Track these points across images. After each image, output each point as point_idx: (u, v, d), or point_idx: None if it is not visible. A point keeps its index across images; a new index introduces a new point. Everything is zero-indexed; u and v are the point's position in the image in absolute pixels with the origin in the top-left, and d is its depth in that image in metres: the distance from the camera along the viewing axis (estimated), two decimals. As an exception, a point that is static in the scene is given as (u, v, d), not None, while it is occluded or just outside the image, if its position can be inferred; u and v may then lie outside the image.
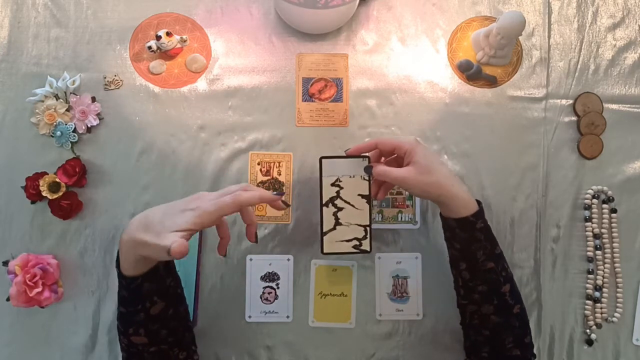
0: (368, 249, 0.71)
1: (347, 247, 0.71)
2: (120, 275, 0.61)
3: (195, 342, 0.70)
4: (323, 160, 0.71)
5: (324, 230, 0.71)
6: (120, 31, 0.80)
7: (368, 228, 0.71)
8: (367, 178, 0.71)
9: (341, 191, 0.71)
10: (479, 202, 0.68)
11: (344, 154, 0.71)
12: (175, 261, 0.66)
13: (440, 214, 0.70)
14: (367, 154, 0.71)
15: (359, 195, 0.71)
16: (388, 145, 0.68)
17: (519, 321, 0.66)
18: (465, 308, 0.68)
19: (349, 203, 0.71)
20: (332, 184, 0.71)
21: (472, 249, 0.65)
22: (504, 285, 0.66)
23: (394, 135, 0.80)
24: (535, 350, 0.76)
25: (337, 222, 0.71)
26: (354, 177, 0.71)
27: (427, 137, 0.80)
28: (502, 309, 0.65)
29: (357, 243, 0.71)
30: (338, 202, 0.71)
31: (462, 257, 0.67)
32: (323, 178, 0.70)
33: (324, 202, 0.70)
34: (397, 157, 0.71)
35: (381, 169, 0.67)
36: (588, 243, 0.79)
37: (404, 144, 0.66)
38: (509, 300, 0.65)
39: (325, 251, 0.70)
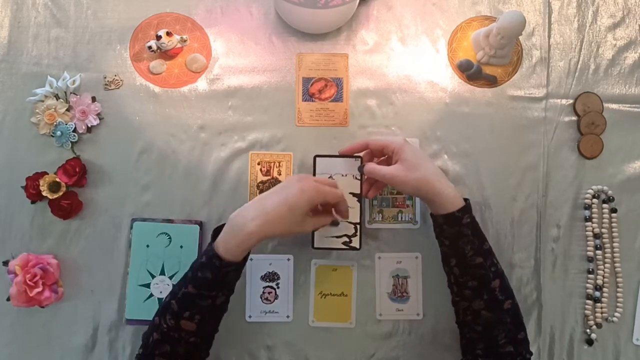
0: (357, 246, 0.74)
1: (337, 243, 0.74)
2: (217, 257, 0.62)
3: None
4: (317, 158, 0.74)
5: None
6: (120, 31, 0.80)
7: (358, 226, 0.73)
8: (358, 177, 0.73)
9: None
10: (466, 200, 0.69)
11: (338, 154, 0.74)
12: (176, 260, 0.67)
13: (430, 214, 0.71)
14: (359, 154, 0.74)
15: (350, 193, 0.73)
16: (378, 144, 0.71)
17: (511, 317, 0.66)
18: (459, 305, 0.69)
19: None
20: None
21: (460, 245, 0.67)
22: (493, 280, 0.67)
23: (394, 136, 0.80)
24: (535, 350, 0.77)
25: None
26: (346, 175, 0.73)
27: (427, 137, 0.80)
28: (493, 304, 0.66)
29: (347, 240, 0.74)
30: None
31: (451, 253, 0.68)
32: (316, 175, 0.73)
33: None
34: (387, 158, 0.73)
35: (371, 166, 0.71)
36: (588, 243, 0.79)
37: (392, 143, 0.70)
38: (499, 296, 0.66)
39: (315, 246, 0.73)
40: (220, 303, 0.65)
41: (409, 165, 0.67)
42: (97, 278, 0.77)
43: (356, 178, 0.74)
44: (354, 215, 0.73)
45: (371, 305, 0.78)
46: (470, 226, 0.67)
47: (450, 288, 0.71)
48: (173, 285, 0.66)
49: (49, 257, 0.75)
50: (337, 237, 0.73)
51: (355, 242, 0.74)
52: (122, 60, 0.80)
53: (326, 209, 0.70)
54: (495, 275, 0.67)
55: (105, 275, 0.77)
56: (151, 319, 0.66)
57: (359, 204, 0.73)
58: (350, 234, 0.74)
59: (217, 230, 0.66)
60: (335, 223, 0.69)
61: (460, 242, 0.67)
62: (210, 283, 0.63)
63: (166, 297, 0.66)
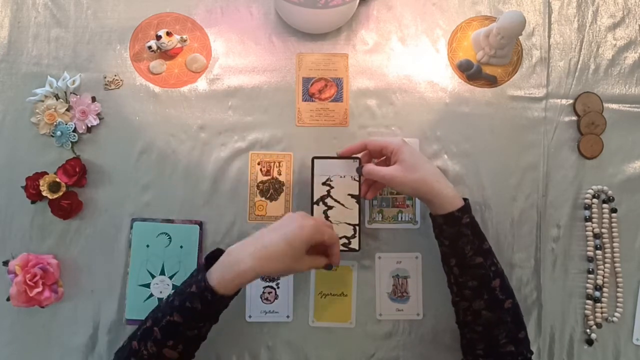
0: (357, 248, 0.73)
1: None
2: (210, 290, 0.60)
3: None
4: (315, 160, 0.74)
5: None
6: (120, 31, 0.80)
7: (357, 227, 0.73)
8: (357, 178, 0.73)
9: (332, 190, 0.74)
10: (465, 199, 0.69)
11: (336, 155, 0.74)
12: (176, 260, 0.66)
13: (430, 213, 0.71)
14: (357, 155, 0.74)
15: (349, 194, 0.73)
16: (376, 145, 0.71)
17: (511, 316, 0.66)
18: (459, 305, 0.69)
19: (339, 202, 0.73)
20: (323, 183, 0.74)
21: (460, 244, 0.67)
22: (493, 280, 0.67)
23: (394, 136, 0.80)
24: (535, 350, 0.77)
25: (327, 220, 0.73)
26: (344, 177, 0.74)
27: (427, 137, 0.80)
28: (493, 303, 0.66)
29: (346, 241, 0.73)
30: (328, 200, 0.73)
31: (451, 253, 0.68)
32: (314, 177, 0.74)
33: (314, 200, 0.73)
34: (385, 159, 0.73)
35: (370, 167, 0.71)
36: (588, 243, 0.79)
37: (390, 144, 0.70)
38: (499, 295, 0.66)
39: None
40: (204, 333, 0.65)
41: (407, 165, 0.67)
42: (97, 278, 0.77)
43: (354, 179, 0.74)
44: (353, 217, 0.73)
45: (371, 305, 0.78)
46: (470, 226, 0.67)
47: (450, 288, 0.71)
48: (155, 309, 0.65)
49: (49, 257, 0.75)
50: None
51: (355, 244, 0.74)
52: (122, 60, 0.80)
53: (319, 250, 0.68)
54: (495, 275, 0.67)
55: (105, 275, 0.77)
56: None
57: (357, 206, 0.74)
58: (349, 235, 0.74)
59: (209, 258, 0.65)
60: (329, 267, 0.67)
61: (460, 242, 0.67)
62: (200, 314, 0.61)
63: (146, 322, 0.64)
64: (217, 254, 0.65)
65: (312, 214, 0.73)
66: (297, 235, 0.62)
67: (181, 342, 0.62)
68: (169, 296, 0.65)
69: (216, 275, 0.61)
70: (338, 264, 0.68)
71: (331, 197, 0.73)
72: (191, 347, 0.64)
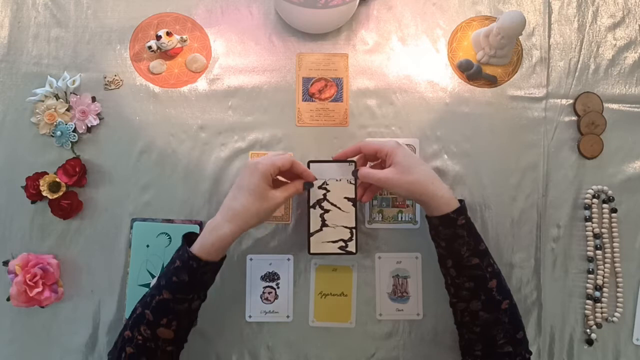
0: (354, 251, 0.74)
1: (333, 248, 0.74)
2: (195, 258, 0.63)
3: None
4: (311, 164, 0.74)
5: (311, 231, 0.73)
6: (120, 31, 0.80)
7: (354, 230, 0.74)
8: (353, 182, 0.74)
9: (328, 194, 0.74)
10: (461, 201, 0.69)
11: (332, 159, 0.75)
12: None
13: (426, 215, 0.71)
14: (353, 159, 0.74)
15: (345, 198, 0.74)
16: (371, 148, 0.71)
17: (509, 317, 0.66)
18: (456, 306, 0.69)
19: (335, 205, 0.74)
20: (320, 187, 0.74)
21: (456, 246, 0.67)
22: (490, 281, 0.67)
23: (394, 136, 0.80)
24: (535, 350, 0.77)
25: (324, 224, 0.74)
26: (340, 180, 0.74)
27: (427, 137, 0.80)
28: (490, 304, 0.66)
29: (343, 244, 0.74)
30: (325, 204, 0.74)
31: (447, 254, 0.68)
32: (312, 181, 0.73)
33: (311, 204, 0.74)
34: (381, 162, 0.74)
35: (365, 170, 0.71)
36: (588, 243, 0.79)
37: (384, 147, 0.70)
38: (496, 296, 0.66)
39: (311, 251, 0.73)
40: (195, 308, 0.66)
41: (402, 168, 0.68)
42: (97, 278, 0.77)
43: (350, 182, 0.74)
44: (350, 220, 0.74)
45: (371, 305, 0.78)
46: (466, 227, 0.67)
47: (447, 289, 0.71)
48: (142, 298, 0.66)
49: (49, 257, 0.75)
50: (333, 242, 0.74)
51: (352, 247, 0.74)
52: (122, 60, 0.80)
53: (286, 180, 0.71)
54: (492, 276, 0.67)
55: (105, 275, 0.77)
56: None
57: (353, 209, 0.74)
58: (346, 238, 0.74)
59: (186, 236, 0.67)
60: (307, 185, 0.70)
61: (456, 243, 0.67)
62: (188, 285, 0.63)
63: (135, 309, 0.65)
64: (192, 236, 0.67)
65: (308, 217, 0.73)
66: (253, 183, 0.65)
67: (175, 319, 0.64)
68: (155, 283, 0.66)
69: (197, 245, 0.64)
70: (314, 177, 0.71)
71: (327, 201, 0.74)
72: (185, 324, 0.66)
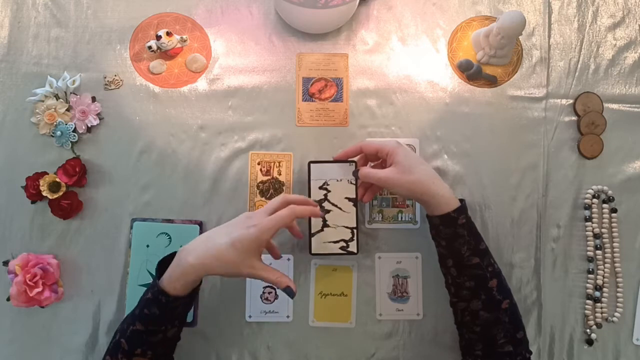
0: (355, 251, 0.74)
1: (335, 249, 0.74)
2: (163, 293, 0.61)
3: None
4: (311, 164, 0.74)
5: (312, 232, 0.74)
6: (120, 31, 0.80)
7: (355, 230, 0.74)
8: (353, 182, 0.74)
9: (329, 194, 0.74)
10: (462, 200, 0.69)
11: (332, 159, 0.75)
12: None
13: (427, 215, 0.71)
14: (354, 159, 0.74)
15: (346, 198, 0.74)
16: (372, 148, 0.71)
17: (509, 316, 0.67)
18: (457, 306, 0.69)
19: (336, 206, 0.74)
20: (320, 187, 0.74)
21: (457, 245, 0.67)
22: (490, 280, 0.67)
23: (394, 136, 0.80)
24: (535, 350, 0.77)
25: (325, 224, 0.74)
26: (341, 180, 0.74)
27: (427, 137, 0.80)
28: (490, 304, 0.66)
29: (344, 245, 0.74)
30: (326, 204, 0.74)
31: (448, 254, 0.68)
32: (311, 181, 0.74)
33: None
34: (381, 162, 0.74)
35: (366, 170, 0.71)
36: (588, 243, 0.79)
37: (385, 146, 0.70)
38: (496, 296, 0.66)
39: (313, 252, 0.74)
40: (172, 335, 0.65)
41: (403, 167, 0.68)
42: (97, 278, 0.77)
43: (351, 183, 0.74)
44: (350, 220, 0.74)
45: (371, 305, 0.78)
46: (466, 226, 0.67)
47: (447, 289, 0.71)
48: (122, 321, 0.66)
49: (49, 257, 0.75)
50: (335, 242, 0.74)
51: (353, 247, 0.74)
52: (122, 60, 0.80)
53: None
54: (492, 275, 0.67)
55: (105, 275, 0.77)
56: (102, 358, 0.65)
57: (354, 209, 0.74)
58: (347, 238, 0.74)
59: (162, 263, 0.65)
60: (288, 290, 0.63)
61: (457, 242, 0.67)
62: (159, 319, 0.62)
63: (115, 334, 0.65)
64: (169, 259, 0.64)
65: (309, 218, 0.73)
66: (242, 237, 0.61)
67: (149, 349, 0.63)
68: (134, 308, 0.65)
69: (166, 277, 0.62)
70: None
71: (328, 201, 0.74)
72: (161, 351, 0.65)
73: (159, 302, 0.61)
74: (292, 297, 0.63)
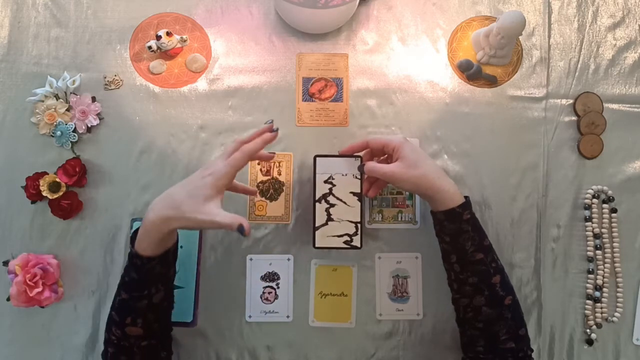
0: (358, 245, 0.73)
1: (338, 243, 0.73)
2: (136, 256, 0.62)
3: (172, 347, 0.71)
4: (317, 158, 0.74)
5: (316, 225, 0.73)
6: (120, 31, 0.80)
7: (359, 225, 0.73)
8: (359, 177, 0.74)
9: (334, 188, 0.74)
10: (466, 197, 0.69)
11: (338, 154, 0.75)
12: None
13: (431, 211, 0.71)
14: (359, 154, 0.74)
15: (350, 192, 0.73)
16: (378, 143, 0.71)
17: (511, 313, 0.67)
18: (459, 302, 0.69)
19: (341, 200, 0.73)
20: (325, 181, 0.74)
21: (461, 241, 0.67)
22: (494, 276, 0.67)
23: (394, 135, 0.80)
24: (535, 350, 0.76)
25: (329, 218, 0.73)
26: (346, 175, 0.74)
27: (427, 137, 0.80)
28: (494, 300, 0.66)
29: (348, 239, 0.73)
30: (330, 198, 0.74)
31: (452, 249, 0.68)
32: (317, 175, 0.74)
33: (316, 198, 0.73)
34: (387, 157, 0.74)
35: (371, 164, 0.71)
36: (588, 243, 0.79)
37: (391, 141, 0.70)
38: (499, 292, 0.66)
39: (317, 245, 0.73)
40: (159, 300, 0.65)
41: (409, 162, 0.68)
42: (97, 278, 0.77)
43: (356, 177, 0.74)
44: (355, 215, 0.73)
45: (371, 305, 0.78)
46: (471, 222, 0.67)
47: (450, 286, 0.71)
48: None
49: (49, 257, 0.75)
50: (339, 236, 0.73)
51: (356, 241, 0.74)
52: (122, 60, 0.80)
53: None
54: (495, 271, 0.67)
55: (105, 275, 0.77)
56: None
57: (359, 203, 0.74)
58: (351, 233, 0.74)
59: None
60: (240, 229, 0.60)
61: (461, 238, 0.67)
62: (139, 283, 0.63)
63: (109, 311, 0.67)
64: None
65: (313, 211, 0.73)
66: (198, 186, 0.62)
67: (138, 316, 0.64)
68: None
69: (137, 240, 0.63)
70: (247, 225, 0.61)
71: (333, 195, 0.74)
72: (152, 319, 0.65)
73: (135, 266, 0.63)
74: (243, 235, 0.60)
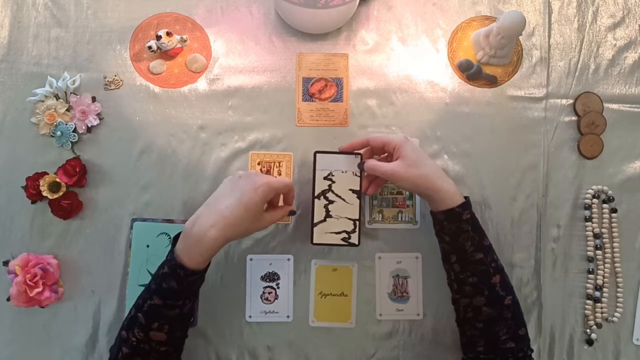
0: (356, 242, 0.74)
1: (336, 239, 0.74)
2: (181, 267, 0.62)
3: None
4: (317, 154, 0.74)
5: (315, 222, 0.73)
6: (120, 31, 0.80)
7: (357, 222, 0.74)
8: (358, 174, 0.74)
9: (333, 185, 0.74)
10: (466, 197, 0.69)
11: (338, 150, 0.75)
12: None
13: (431, 211, 0.71)
14: (359, 151, 0.74)
15: (350, 190, 0.74)
16: (378, 142, 0.71)
17: (512, 313, 0.67)
18: (459, 302, 0.69)
19: (340, 197, 0.74)
20: (325, 178, 0.74)
21: (460, 241, 0.67)
22: (493, 276, 0.67)
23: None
24: (535, 350, 0.77)
25: (328, 215, 0.74)
26: (346, 172, 0.74)
27: (427, 137, 0.80)
28: (494, 299, 0.66)
29: (346, 236, 0.74)
30: (329, 195, 0.74)
31: (451, 249, 0.68)
32: (316, 171, 0.74)
33: (315, 194, 0.74)
34: (387, 156, 0.74)
35: (372, 162, 0.71)
36: (588, 243, 0.79)
37: (392, 140, 0.70)
38: (499, 292, 0.66)
39: (314, 241, 0.73)
40: (187, 310, 0.65)
41: (409, 162, 0.68)
42: (97, 278, 0.77)
43: (356, 175, 0.74)
44: (353, 212, 0.74)
45: (371, 305, 0.78)
46: (471, 222, 0.67)
47: (450, 286, 0.71)
48: (138, 297, 0.66)
49: (49, 257, 0.75)
50: (336, 233, 0.73)
51: (354, 239, 0.74)
52: (122, 60, 0.80)
53: (274, 202, 0.71)
54: (495, 271, 0.67)
55: (105, 275, 0.77)
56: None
57: (358, 201, 0.74)
58: (349, 230, 0.74)
59: (177, 237, 0.66)
60: (292, 212, 0.72)
61: (461, 238, 0.67)
62: (177, 293, 0.63)
63: (131, 310, 0.65)
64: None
65: (312, 207, 0.73)
66: (252, 198, 0.64)
67: (166, 323, 0.63)
68: (149, 282, 0.66)
69: (184, 253, 0.63)
70: (294, 209, 0.72)
71: (332, 192, 0.74)
72: (177, 327, 0.65)
73: (177, 277, 0.62)
74: (293, 215, 0.72)
